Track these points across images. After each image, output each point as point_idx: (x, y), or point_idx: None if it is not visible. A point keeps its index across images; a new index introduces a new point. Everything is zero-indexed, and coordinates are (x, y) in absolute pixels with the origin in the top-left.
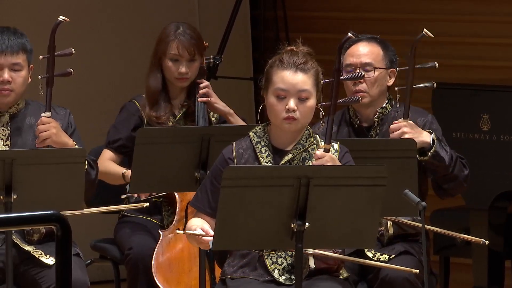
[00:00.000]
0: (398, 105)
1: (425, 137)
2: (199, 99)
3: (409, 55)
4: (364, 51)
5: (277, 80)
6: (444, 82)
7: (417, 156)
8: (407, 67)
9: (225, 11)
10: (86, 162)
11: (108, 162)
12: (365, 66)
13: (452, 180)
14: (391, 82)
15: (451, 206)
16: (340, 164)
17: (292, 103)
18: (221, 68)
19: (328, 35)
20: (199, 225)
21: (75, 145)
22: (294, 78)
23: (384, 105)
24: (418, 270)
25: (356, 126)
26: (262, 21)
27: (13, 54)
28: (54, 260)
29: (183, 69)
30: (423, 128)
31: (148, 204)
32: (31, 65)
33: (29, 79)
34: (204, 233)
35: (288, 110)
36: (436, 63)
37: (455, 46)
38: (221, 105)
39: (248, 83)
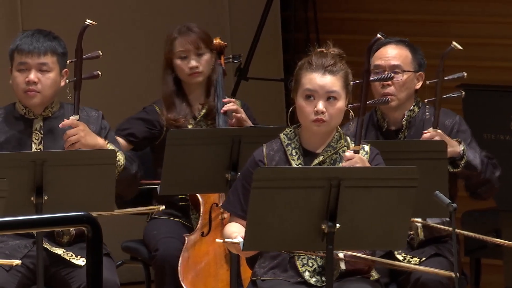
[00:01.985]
0: (427, 107)
1: (455, 146)
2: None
3: (438, 68)
4: (392, 54)
5: (305, 82)
6: (474, 84)
7: (450, 168)
8: (436, 80)
9: (256, 12)
10: (123, 158)
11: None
12: (393, 69)
13: (485, 184)
14: (418, 85)
15: (482, 208)
16: (370, 165)
17: (320, 105)
18: (251, 69)
19: (358, 36)
20: (239, 232)
21: (107, 143)
22: (322, 80)
23: (411, 108)
24: (453, 274)
25: (384, 129)
26: (293, 22)
27: (40, 55)
28: (85, 261)
29: (192, 63)
30: (451, 130)
31: (164, 207)
32: (66, 69)
33: (62, 83)
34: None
35: (317, 112)
36: (465, 73)
37: (485, 47)
38: (249, 124)
39: (279, 84)
